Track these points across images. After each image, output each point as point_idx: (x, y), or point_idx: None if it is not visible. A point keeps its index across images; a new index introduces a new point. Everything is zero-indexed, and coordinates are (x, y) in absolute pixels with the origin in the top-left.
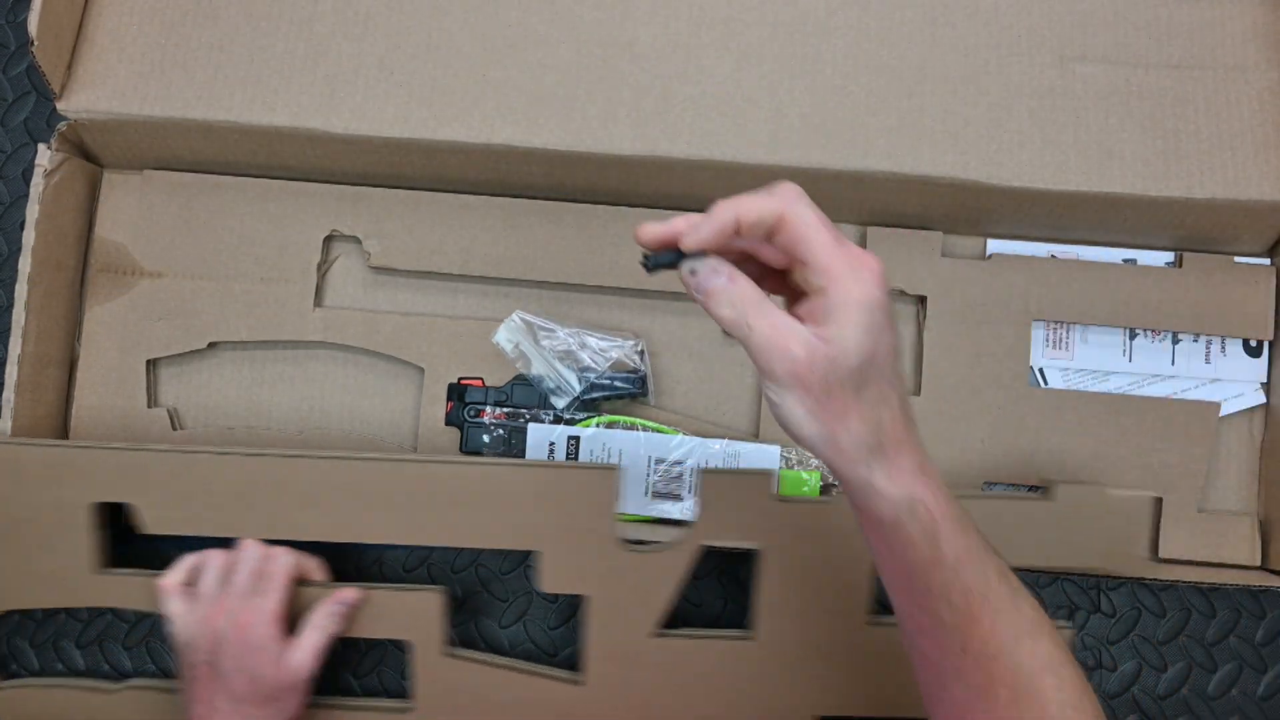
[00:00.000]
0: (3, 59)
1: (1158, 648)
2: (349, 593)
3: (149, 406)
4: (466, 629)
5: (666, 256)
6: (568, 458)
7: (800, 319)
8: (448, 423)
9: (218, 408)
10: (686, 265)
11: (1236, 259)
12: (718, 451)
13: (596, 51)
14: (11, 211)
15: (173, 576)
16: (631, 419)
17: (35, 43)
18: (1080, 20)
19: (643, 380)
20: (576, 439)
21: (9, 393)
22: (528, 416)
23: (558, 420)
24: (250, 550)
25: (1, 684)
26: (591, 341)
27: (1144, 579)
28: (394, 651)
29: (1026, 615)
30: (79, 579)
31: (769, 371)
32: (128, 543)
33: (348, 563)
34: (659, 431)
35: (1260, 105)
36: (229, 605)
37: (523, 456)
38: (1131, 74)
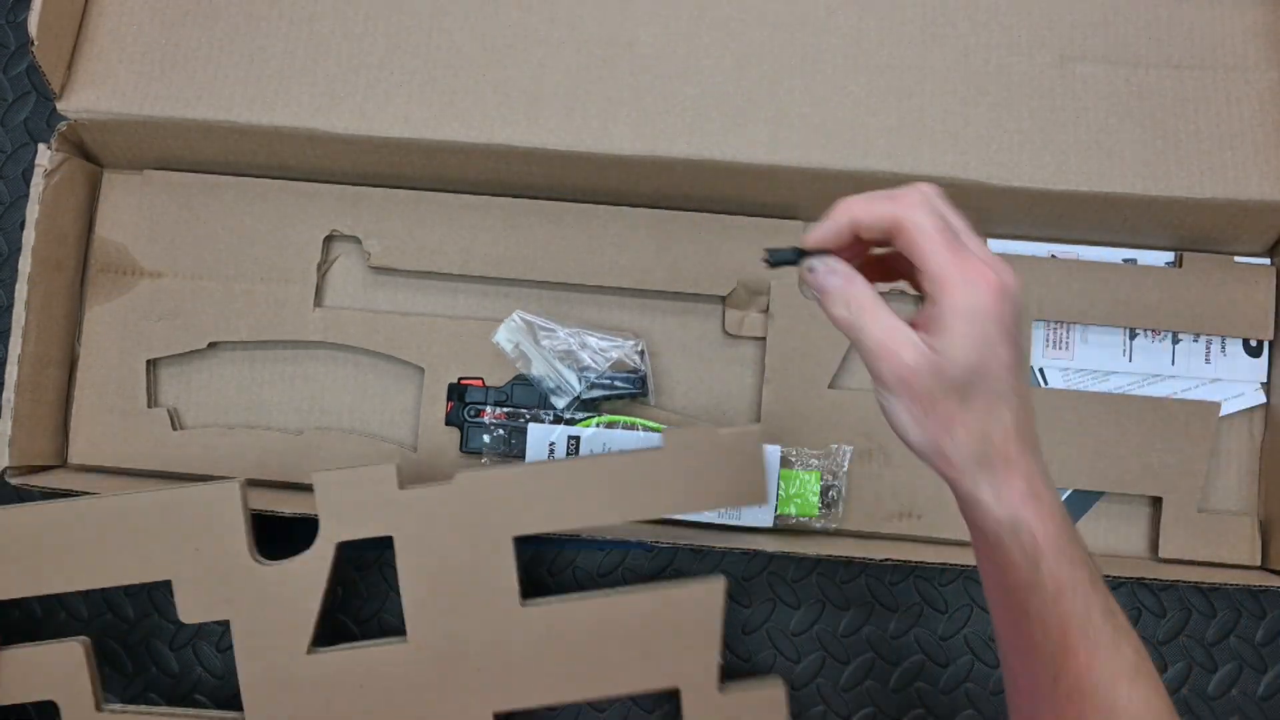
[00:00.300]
0: (3, 59)
1: (1158, 648)
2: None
3: (149, 406)
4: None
5: (788, 254)
6: (568, 458)
7: (917, 326)
8: (448, 423)
9: (218, 408)
10: (805, 263)
11: (1236, 259)
12: None
13: (597, 51)
14: (11, 211)
15: None
16: (631, 419)
17: (35, 43)
18: (1080, 20)
19: (643, 380)
20: (577, 439)
21: (9, 393)
22: (528, 416)
23: (558, 420)
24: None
25: None
26: (592, 341)
27: (1144, 579)
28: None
29: (1127, 658)
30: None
31: (877, 375)
32: None
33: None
34: (659, 431)
35: (1260, 105)
36: None
37: (523, 457)
38: (1131, 74)
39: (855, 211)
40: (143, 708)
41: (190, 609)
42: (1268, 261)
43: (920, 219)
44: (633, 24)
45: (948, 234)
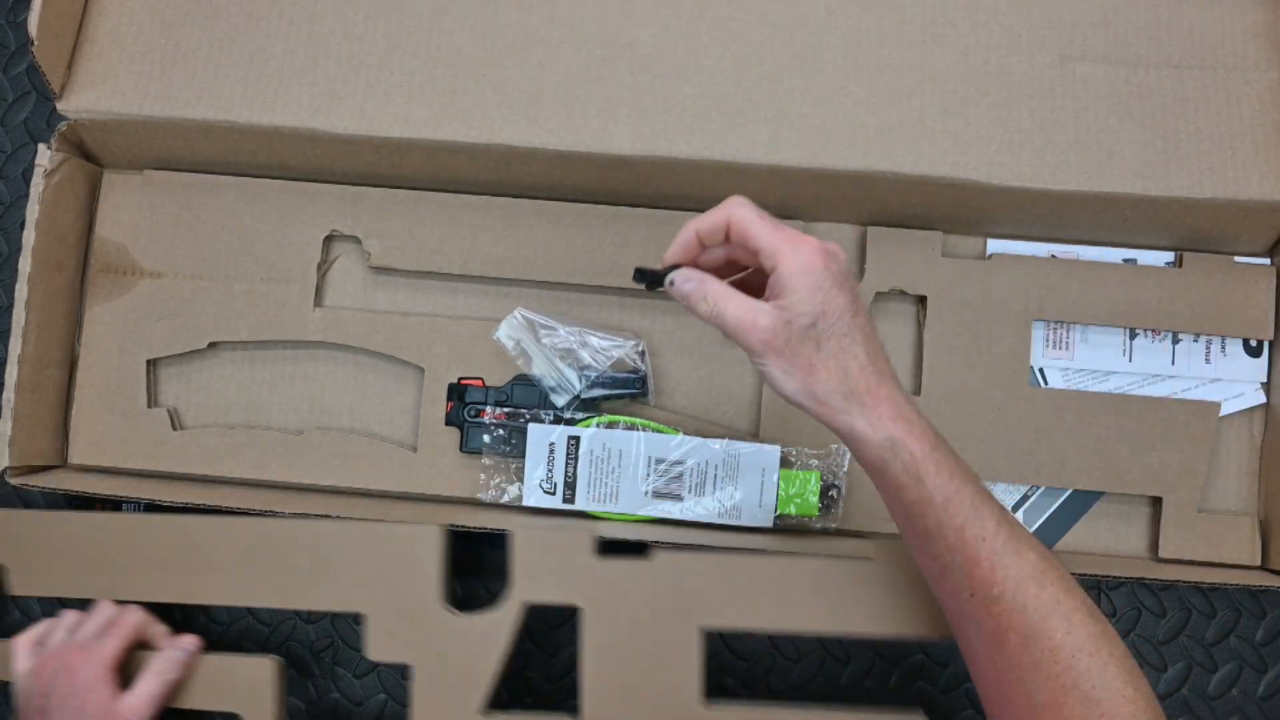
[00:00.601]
0: (3, 59)
1: (1158, 648)
2: (189, 639)
3: (149, 406)
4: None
5: (654, 274)
6: (568, 458)
7: (767, 299)
8: (448, 423)
9: (218, 407)
10: (667, 278)
11: (1236, 259)
12: (718, 451)
13: (597, 51)
14: (11, 211)
15: (24, 635)
16: (631, 419)
17: (35, 43)
18: (1080, 20)
19: (643, 380)
20: (577, 439)
21: (9, 393)
22: (528, 416)
23: (558, 420)
24: (102, 608)
25: None
26: (593, 340)
27: (1144, 579)
28: None
29: (1030, 560)
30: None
31: (747, 346)
32: None
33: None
34: (659, 431)
35: (1260, 105)
36: (65, 652)
37: (523, 457)
38: (1131, 74)
39: (696, 224)
40: None
41: (378, 647)
42: (1268, 261)
43: (746, 213)
44: (633, 24)
45: (770, 220)
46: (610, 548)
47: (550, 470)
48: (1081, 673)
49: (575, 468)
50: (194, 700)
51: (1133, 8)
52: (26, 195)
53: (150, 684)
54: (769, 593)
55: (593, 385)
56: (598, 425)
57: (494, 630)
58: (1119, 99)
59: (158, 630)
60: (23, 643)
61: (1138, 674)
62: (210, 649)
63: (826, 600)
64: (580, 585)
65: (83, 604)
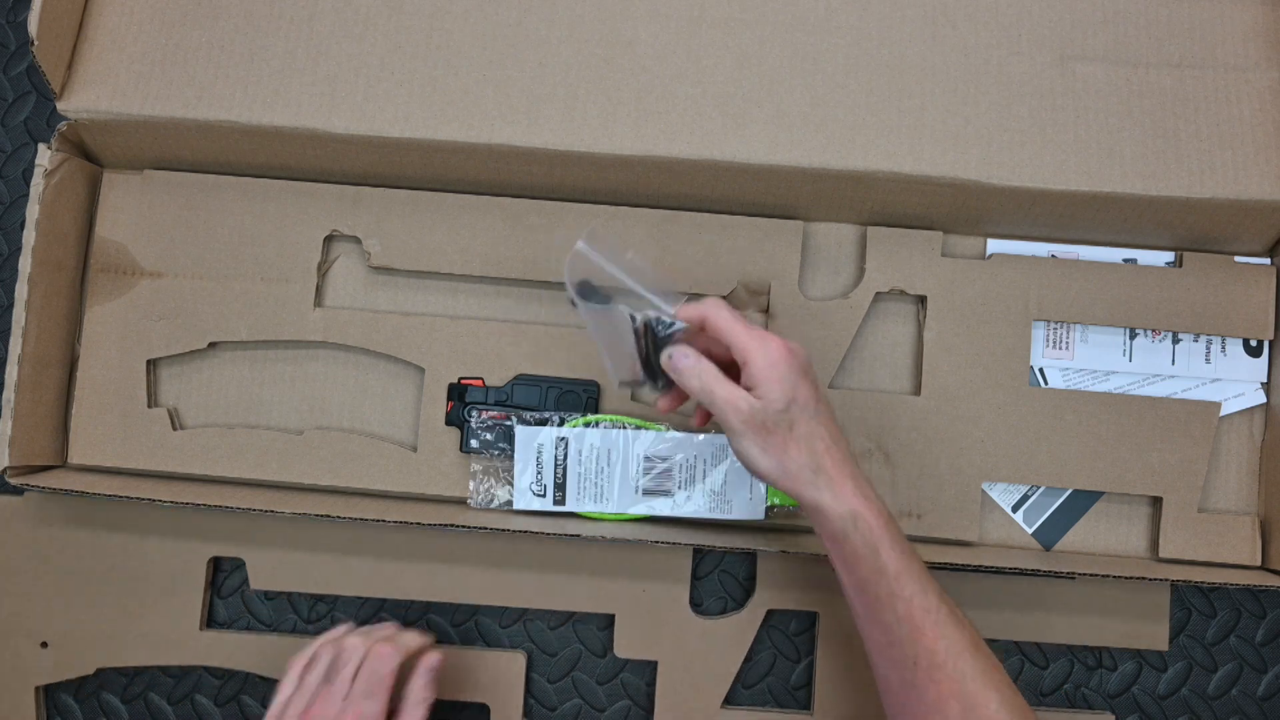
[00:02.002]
0: (3, 59)
1: None
2: (433, 658)
3: (149, 406)
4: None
5: (597, 293)
6: (556, 461)
7: (745, 389)
8: (448, 423)
9: (218, 407)
10: (665, 352)
11: (1237, 259)
12: (706, 444)
13: (597, 51)
14: (11, 211)
15: (297, 661)
16: (616, 417)
17: (35, 42)
18: (1080, 20)
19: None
20: (565, 440)
21: (9, 393)
22: (531, 420)
23: (542, 422)
24: (355, 649)
25: None
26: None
27: (1144, 578)
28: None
29: (968, 633)
30: (186, 636)
31: (729, 425)
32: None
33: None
34: (645, 428)
35: (1260, 105)
36: (332, 708)
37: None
38: (1132, 74)
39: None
40: None
41: (626, 645)
42: (1268, 261)
43: (722, 313)
44: (633, 24)
45: (742, 320)
46: None
47: (539, 473)
48: None
49: (565, 469)
50: (445, 691)
51: (1133, 8)
52: (26, 195)
53: (416, 715)
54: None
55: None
56: (585, 425)
57: (736, 632)
58: (1119, 99)
59: (413, 644)
60: (296, 666)
61: None
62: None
63: None
64: (819, 593)
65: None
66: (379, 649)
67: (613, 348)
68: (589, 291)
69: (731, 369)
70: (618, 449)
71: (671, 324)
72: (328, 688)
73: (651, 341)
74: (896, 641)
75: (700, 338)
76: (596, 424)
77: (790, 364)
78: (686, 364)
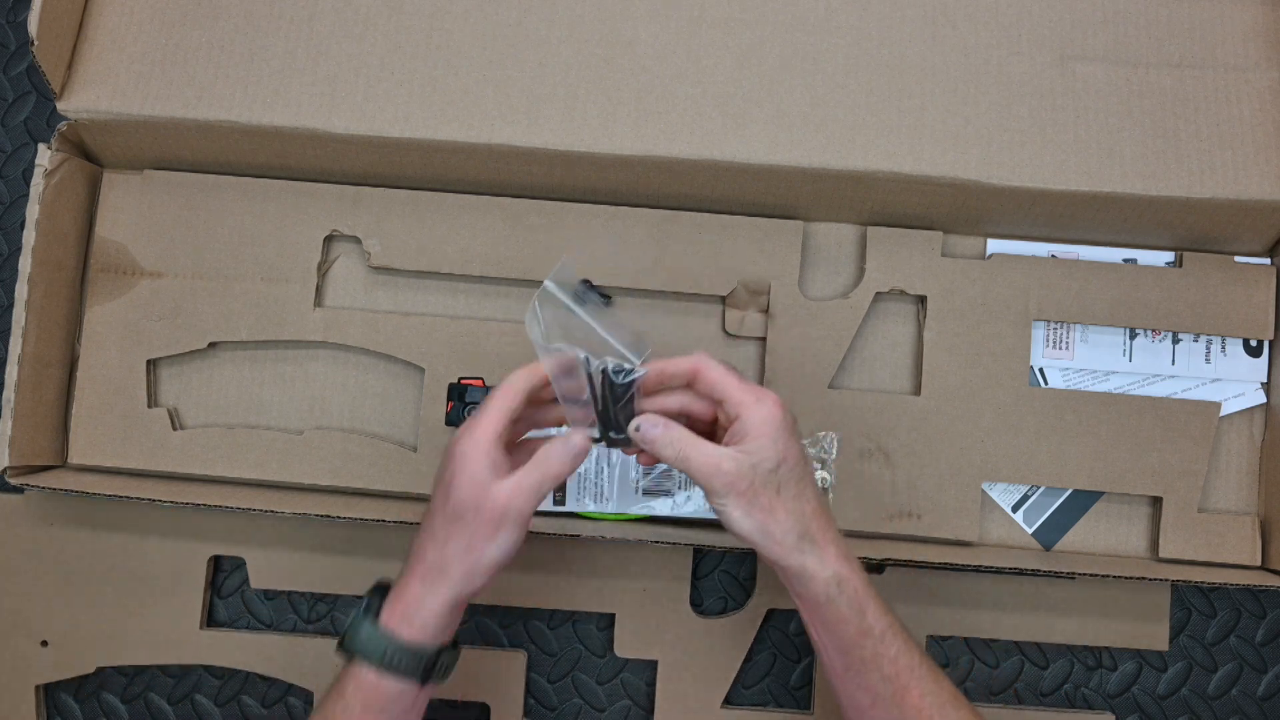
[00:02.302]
0: (3, 59)
1: None
2: (580, 437)
3: (149, 406)
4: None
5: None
6: None
7: (727, 444)
8: (448, 423)
9: (218, 407)
10: (633, 424)
11: (1237, 259)
12: None
13: (597, 51)
14: (11, 212)
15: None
16: None
17: (35, 42)
18: (1080, 20)
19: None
20: None
21: (9, 392)
22: None
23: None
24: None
25: None
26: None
27: (1144, 578)
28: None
29: (947, 688)
30: (186, 635)
31: (709, 488)
32: None
33: None
34: None
35: (1260, 105)
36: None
37: None
38: (1132, 74)
39: (661, 366)
40: None
41: (626, 643)
42: (1268, 261)
43: (713, 365)
44: (633, 24)
45: (735, 373)
46: None
47: None
48: None
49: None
50: (445, 690)
51: (1133, 8)
52: (26, 195)
53: (531, 475)
54: None
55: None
56: None
57: (737, 631)
58: (1119, 99)
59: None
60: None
61: None
62: None
63: None
64: None
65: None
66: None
67: (568, 393)
68: (584, 294)
69: (697, 424)
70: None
71: (630, 372)
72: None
73: (609, 391)
74: (880, 701)
75: (658, 390)
76: None
77: (784, 423)
78: (656, 434)
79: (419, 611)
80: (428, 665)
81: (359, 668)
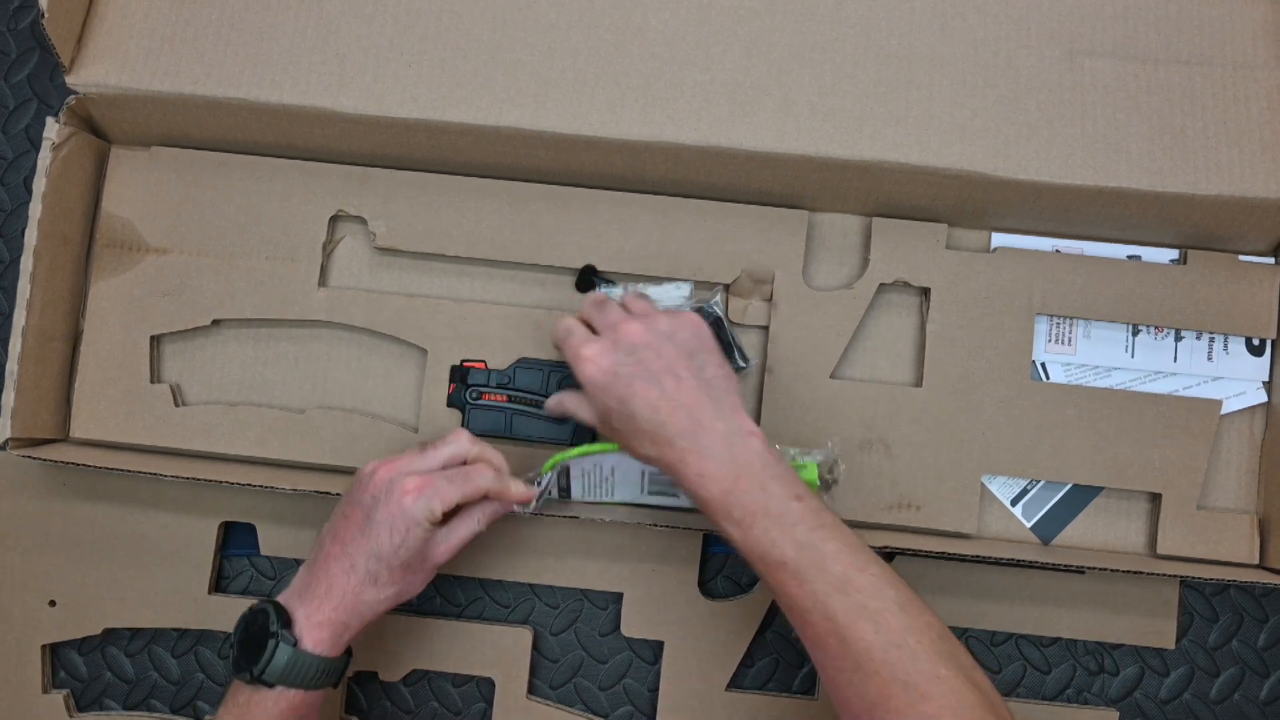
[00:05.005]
0: (4, 62)
1: (1160, 652)
2: (504, 510)
3: (152, 382)
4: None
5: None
6: (558, 476)
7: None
8: (449, 404)
9: (220, 385)
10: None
11: (1241, 257)
12: None
13: (606, 36)
14: (15, 213)
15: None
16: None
17: (45, 16)
18: (1089, 15)
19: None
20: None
21: (12, 364)
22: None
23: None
24: (461, 441)
25: (82, 716)
26: (651, 291)
27: (1140, 572)
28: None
29: (834, 573)
30: (194, 599)
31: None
32: None
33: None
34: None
35: (1268, 103)
36: (409, 469)
37: (521, 440)
38: (1140, 69)
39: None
40: (554, 705)
41: (633, 623)
42: (1272, 260)
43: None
44: (643, 9)
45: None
46: None
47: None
48: (895, 664)
49: (568, 478)
50: (453, 664)
51: (1142, 3)
52: (34, 169)
53: (462, 531)
54: None
55: None
56: (581, 456)
57: (744, 615)
58: (1127, 94)
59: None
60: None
61: (952, 655)
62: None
63: None
64: None
65: None
66: (482, 466)
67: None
68: (585, 282)
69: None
70: (619, 462)
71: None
72: (419, 454)
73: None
74: (787, 604)
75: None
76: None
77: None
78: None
79: (343, 635)
80: (342, 670)
81: (276, 691)
